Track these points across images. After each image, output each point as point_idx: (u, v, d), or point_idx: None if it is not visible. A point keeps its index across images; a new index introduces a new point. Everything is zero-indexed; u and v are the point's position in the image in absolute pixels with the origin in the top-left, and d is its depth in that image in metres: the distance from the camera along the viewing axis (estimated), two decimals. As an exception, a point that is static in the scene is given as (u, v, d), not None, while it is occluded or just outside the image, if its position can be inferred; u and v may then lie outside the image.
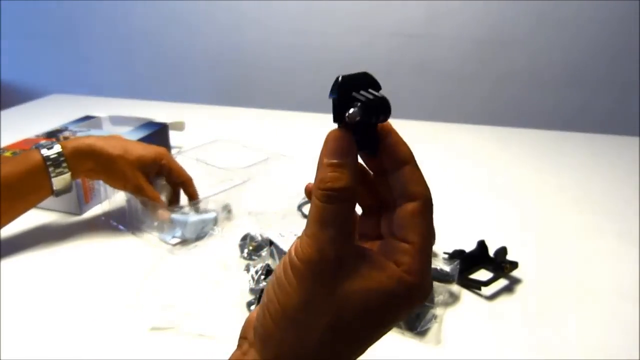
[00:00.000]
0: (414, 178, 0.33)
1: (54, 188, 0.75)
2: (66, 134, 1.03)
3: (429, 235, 0.33)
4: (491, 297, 0.68)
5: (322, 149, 0.33)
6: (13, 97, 2.63)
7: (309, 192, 0.34)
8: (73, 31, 2.62)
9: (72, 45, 2.64)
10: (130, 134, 1.04)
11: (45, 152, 0.74)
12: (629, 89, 2.12)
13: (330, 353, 0.32)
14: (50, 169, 0.73)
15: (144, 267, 0.70)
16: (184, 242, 0.79)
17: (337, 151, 0.32)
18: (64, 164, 0.74)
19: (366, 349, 0.34)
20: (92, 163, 0.77)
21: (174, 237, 0.79)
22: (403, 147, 0.34)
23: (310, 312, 0.31)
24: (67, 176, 0.75)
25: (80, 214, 0.88)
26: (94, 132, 1.05)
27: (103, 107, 1.28)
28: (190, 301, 0.62)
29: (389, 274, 0.31)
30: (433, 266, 0.67)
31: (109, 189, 0.85)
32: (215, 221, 0.81)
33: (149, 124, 1.12)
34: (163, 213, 0.79)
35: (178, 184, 0.85)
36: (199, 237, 0.79)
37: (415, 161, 0.33)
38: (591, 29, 2.09)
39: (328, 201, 0.30)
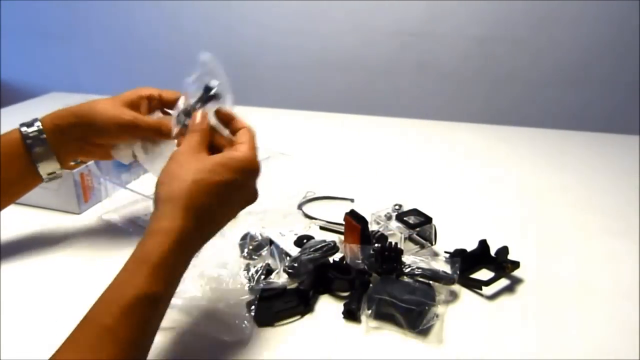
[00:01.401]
0: (240, 121, 0.64)
1: (39, 170, 0.68)
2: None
3: (254, 141, 0.61)
4: (492, 297, 0.67)
5: (192, 119, 0.61)
6: (12, 95, 2.63)
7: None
8: (73, 29, 2.62)
9: (71, 44, 2.64)
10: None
11: (24, 129, 0.67)
12: (630, 88, 2.12)
13: (199, 190, 0.52)
14: (34, 149, 0.67)
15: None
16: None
17: (198, 118, 0.61)
18: (45, 142, 0.67)
19: (226, 205, 0.56)
20: (78, 131, 0.69)
21: None
22: (230, 112, 0.66)
23: (182, 168, 0.54)
24: (51, 156, 0.68)
25: (79, 213, 0.88)
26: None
27: (102, 106, 1.27)
28: (190, 301, 0.62)
29: (231, 151, 0.58)
30: (433, 266, 0.67)
31: (110, 187, 0.84)
32: None
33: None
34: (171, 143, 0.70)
35: (170, 101, 0.75)
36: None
37: (236, 116, 0.66)
38: (593, 28, 2.09)
39: (194, 131, 0.59)
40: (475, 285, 0.68)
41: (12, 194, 0.71)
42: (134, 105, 0.72)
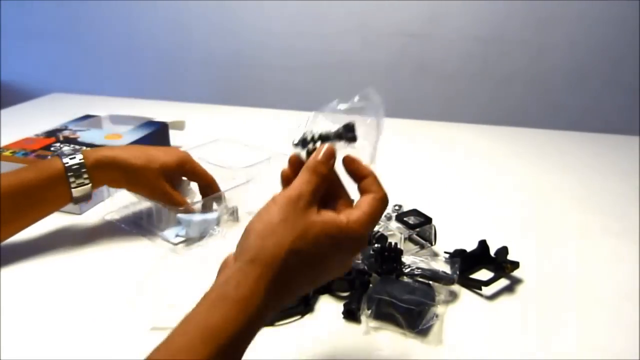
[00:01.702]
0: (376, 182, 0.52)
1: (74, 196, 0.74)
2: (66, 133, 1.03)
3: (378, 213, 0.49)
4: (492, 297, 0.68)
5: (317, 151, 0.50)
6: (13, 96, 2.63)
7: (292, 162, 0.52)
8: (73, 30, 2.62)
9: (72, 44, 2.64)
10: (130, 133, 1.04)
11: (67, 161, 0.73)
12: (631, 89, 2.12)
13: (295, 260, 0.45)
14: (71, 180, 0.73)
15: (145, 267, 0.70)
16: (185, 241, 0.79)
17: (325, 154, 0.50)
18: (85, 175, 0.74)
19: (318, 277, 0.48)
20: (114, 174, 0.77)
21: (177, 235, 0.79)
22: (369, 167, 0.53)
23: (285, 226, 0.45)
24: (87, 187, 0.75)
25: (80, 213, 0.88)
26: (94, 131, 1.05)
27: (103, 106, 1.28)
28: (192, 301, 0.62)
29: (341, 219, 0.47)
30: (433, 267, 0.67)
31: (111, 188, 0.85)
32: (217, 221, 0.81)
33: (149, 123, 1.12)
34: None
35: (202, 186, 0.85)
36: (201, 236, 0.79)
37: (375, 174, 0.53)
38: (593, 29, 2.09)
39: (312, 172, 0.48)
40: (475, 286, 0.68)
41: (38, 215, 0.77)
42: (171, 174, 0.80)
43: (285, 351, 0.58)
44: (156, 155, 0.79)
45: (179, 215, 0.79)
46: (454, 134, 1.39)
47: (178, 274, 0.67)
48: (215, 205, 0.84)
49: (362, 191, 0.51)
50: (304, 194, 0.47)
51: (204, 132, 1.16)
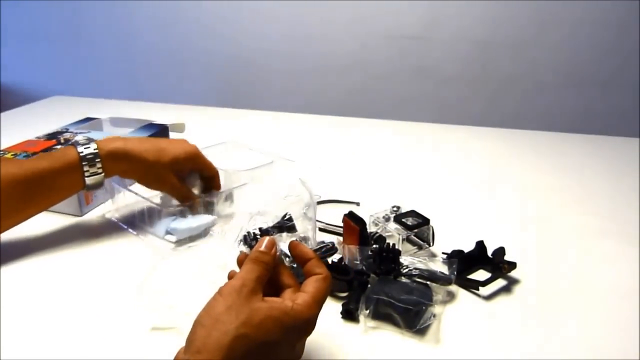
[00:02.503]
0: (319, 264, 0.53)
1: (87, 184, 0.76)
2: (67, 135, 1.03)
3: (323, 294, 0.51)
4: (489, 297, 0.68)
5: (258, 243, 0.53)
6: (14, 98, 2.64)
7: (240, 261, 0.54)
8: (73, 33, 2.63)
9: (72, 47, 2.65)
10: (131, 135, 1.04)
11: (81, 150, 0.76)
12: (630, 91, 2.13)
13: (242, 346, 0.45)
14: (85, 168, 0.75)
15: (145, 268, 0.70)
16: (185, 242, 0.79)
17: (266, 245, 0.53)
18: (99, 164, 0.76)
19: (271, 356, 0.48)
20: (126, 165, 0.79)
21: (168, 232, 0.79)
22: (311, 250, 0.54)
23: (229, 314, 0.46)
24: (100, 176, 0.77)
25: (80, 215, 0.88)
26: (95, 133, 1.06)
27: (103, 109, 1.29)
28: (191, 301, 0.62)
29: (287, 303, 0.48)
30: (431, 267, 0.67)
31: (112, 189, 0.85)
32: (212, 224, 0.82)
33: (150, 125, 1.12)
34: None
35: (208, 178, 0.88)
36: (199, 237, 0.79)
37: (317, 257, 0.54)
38: (592, 31, 2.09)
39: (254, 262, 0.51)
40: (472, 286, 0.69)
41: (52, 201, 0.79)
42: (180, 166, 0.83)
43: (284, 351, 0.58)
44: (167, 148, 0.82)
45: (172, 225, 0.80)
46: (452, 136, 1.39)
47: (178, 274, 0.68)
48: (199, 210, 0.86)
49: (307, 273, 0.53)
50: (247, 282, 0.48)
51: (204, 135, 1.17)
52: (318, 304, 0.50)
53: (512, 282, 0.71)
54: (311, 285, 0.51)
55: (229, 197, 0.88)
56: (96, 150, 0.76)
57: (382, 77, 2.35)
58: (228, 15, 2.40)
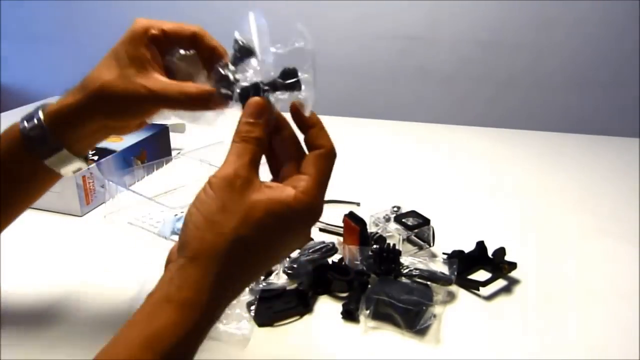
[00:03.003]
0: (321, 134, 0.45)
1: (59, 171, 0.56)
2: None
3: (326, 173, 0.44)
4: (490, 298, 0.68)
5: (244, 110, 0.45)
6: (13, 99, 2.64)
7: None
8: (73, 33, 2.63)
9: (72, 48, 2.65)
10: (130, 136, 1.04)
11: (23, 125, 0.54)
12: (631, 91, 2.12)
13: (240, 249, 0.40)
14: (48, 158, 0.53)
15: (145, 267, 0.70)
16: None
17: (253, 113, 0.44)
18: (52, 138, 0.53)
19: (270, 261, 0.44)
20: (92, 124, 0.55)
21: (174, 232, 0.79)
22: (313, 115, 0.46)
23: (224, 213, 0.40)
24: (63, 153, 0.54)
25: (80, 215, 0.88)
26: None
27: (104, 109, 1.28)
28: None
29: (288, 192, 0.41)
30: (431, 268, 0.67)
31: (113, 188, 0.85)
32: None
33: (150, 125, 1.12)
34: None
35: (188, 42, 0.59)
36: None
37: (321, 123, 0.45)
38: (593, 32, 2.09)
39: (243, 141, 0.43)
40: (473, 286, 0.69)
41: (25, 199, 0.60)
42: (142, 59, 0.54)
43: (284, 351, 0.59)
44: (117, 46, 0.58)
45: (178, 224, 0.79)
46: (453, 136, 1.39)
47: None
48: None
49: (308, 145, 0.45)
50: (240, 171, 0.41)
51: (205, 135, 1.17)
52: (322, 187, 0.43)
53: (512, 282, 0.71)
54: (312, 165, 0.43)
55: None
56: (41, 117, 0.54)
57: (383, 77, 2.35)
58: (228, 15, 2.40)
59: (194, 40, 0.59)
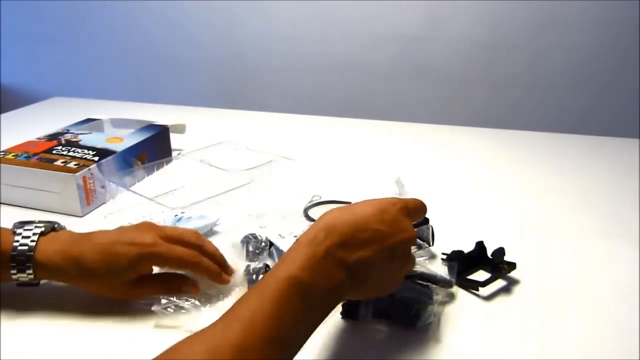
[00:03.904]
0: None
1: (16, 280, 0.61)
2: (68, 136, 1.04)
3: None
4: (489, 298, 0.68)
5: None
6: (14, 100, 2.64)
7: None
8: (74, 34, 2.63)
9: (73, 48, 2.65)
10: (131, 137, 1.04)
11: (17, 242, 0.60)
12: (630, 91, 2.13)
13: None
14: (12, 271, 0.60)
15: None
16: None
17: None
18: (29, 269, 0.60)
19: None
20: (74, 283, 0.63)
21: None
22: None
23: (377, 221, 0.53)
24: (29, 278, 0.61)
25: (81, 215, 0.88)
26: (96, 134, 1.06)
27: (104, 110, 1.29)
28: (192, 300, 0.62)
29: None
30: (432, 270, 0.67)
31: (113, 189, 0.85)
32: (216, 224, 0.82)
33: (150, 126, 1.12)
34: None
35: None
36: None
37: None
38: (592, 32, 2.10)
39: None
40: (472, 286, 0.69)
41: None
42: (138, 275, 0.62)
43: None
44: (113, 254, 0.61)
45: (177, 225, 0.79)
46: (452, 136, 1.40)
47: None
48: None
49: None
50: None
51: (205, 136, 1.17)
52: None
53: (512, 282, 0.71)
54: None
55: None
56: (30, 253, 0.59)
57: (382, 78, 2.36)
58: (229, 16, 2.41)
59: (193, 245, 0.65)
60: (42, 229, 0.62)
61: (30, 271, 0.60)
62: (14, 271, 0.59)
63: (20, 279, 0.60)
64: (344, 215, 0.52)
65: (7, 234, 0.61)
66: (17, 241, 0.60)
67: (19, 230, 0.61)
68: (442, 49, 2.26)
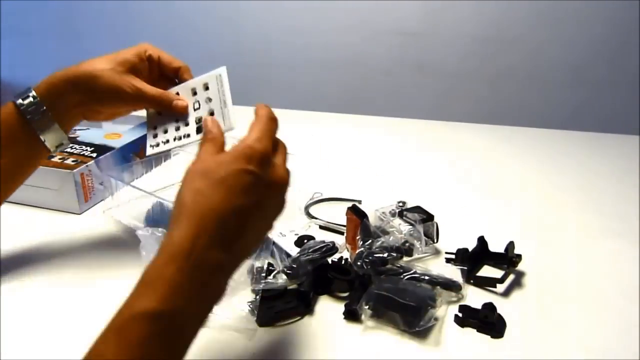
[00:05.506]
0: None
1: (47, 145, 0.64)
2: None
3: (264, 128, 0.56)
4: (493, 298, 0.67)
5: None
6: (13, 95, 2.63)
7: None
8: (73, 30, 2.62)
9: (72, 44, 2.64)
10: (130, 132, 1.03)
11: (20, 102, 0.62)
12: (630, 88, 2.12)
13: (202, 197, 0.46)
14: (37, 122, 0.62)
15: (145, 266, 0.70)
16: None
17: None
18: (44, 110, 0.63)
19: (250, 223, 0.47)
20: (76, 96, 0.65)
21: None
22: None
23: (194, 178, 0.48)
24: (55, 127, 0.64)
25: (79, 213, 0.87)
26: (94, 130, 1.05)
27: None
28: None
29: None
30: (441, 273, 0.66)
31: (113, 185, 0.84)
32: None
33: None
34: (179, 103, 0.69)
35: (174, 74, 0.73)
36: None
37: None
38: (591, 27, 2.09)
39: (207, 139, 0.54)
40: (489, 284, 0.68)
41: (21, 173, 0.67)
42: (135, 69, 0.67)
43: (285, 351, 0.58)
44: (110, 55, 0.68)
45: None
46: (452, 132, 1.39)
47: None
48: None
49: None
50: (204, 155, 0.52)
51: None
52: (264, 132, 0.55)
53: (513, 285, 0.70)
54: (253, 126, 0.55)
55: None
56: (35, 97, 0.63)
57: (381, 74, 2.35)
58: (227, 12, 2.39)
59: (177, 72, 0.72)
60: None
61: (44, 108, 0.63)
62: (19, 100, 0.63)
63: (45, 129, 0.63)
64: (202, 206, 0.45)
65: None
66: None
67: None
68: (441, 45, 2.25)
